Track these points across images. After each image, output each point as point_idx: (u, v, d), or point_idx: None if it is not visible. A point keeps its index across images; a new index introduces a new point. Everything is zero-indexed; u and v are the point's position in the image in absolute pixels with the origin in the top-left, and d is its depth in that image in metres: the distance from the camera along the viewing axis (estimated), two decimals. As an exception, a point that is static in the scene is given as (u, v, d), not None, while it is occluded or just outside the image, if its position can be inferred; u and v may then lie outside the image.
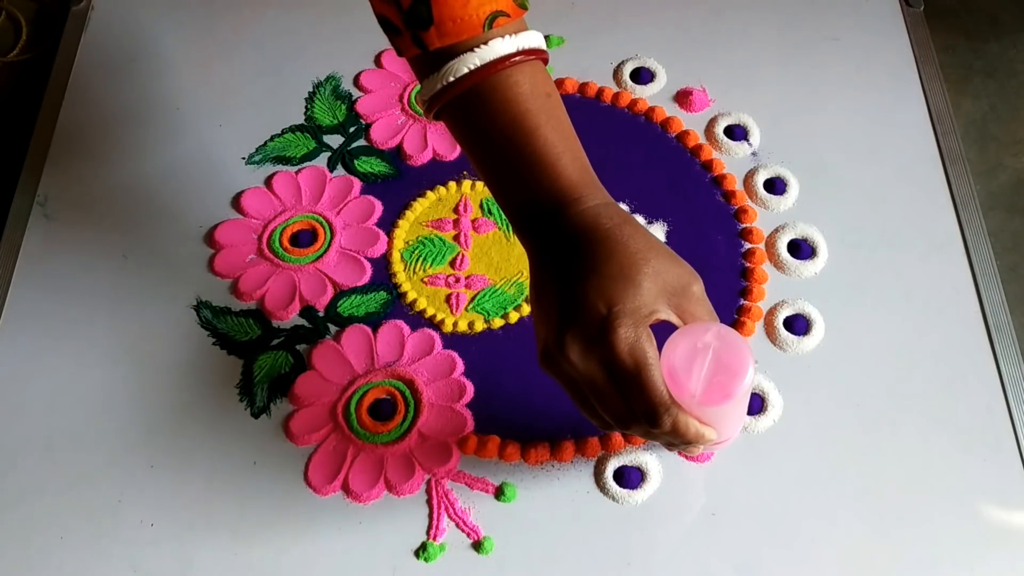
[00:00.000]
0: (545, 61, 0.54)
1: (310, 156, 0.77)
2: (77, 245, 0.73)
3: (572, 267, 0.50)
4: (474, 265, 0.72)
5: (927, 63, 0.82)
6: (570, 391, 0.52)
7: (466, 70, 0.50)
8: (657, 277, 0.49)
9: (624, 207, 0.74)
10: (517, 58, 0.51)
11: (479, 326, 0.69)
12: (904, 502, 0.62)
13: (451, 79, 0.50)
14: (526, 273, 0.71)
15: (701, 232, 0.73)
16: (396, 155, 0.77)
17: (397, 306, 0.70)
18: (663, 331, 0.50)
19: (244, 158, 0.77)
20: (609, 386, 0.49)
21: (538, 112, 0.51)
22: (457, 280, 0.71)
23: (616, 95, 0.80)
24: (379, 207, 0.74)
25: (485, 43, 0.50)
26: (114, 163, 0.77)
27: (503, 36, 0.50)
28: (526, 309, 0.69)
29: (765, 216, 0.74)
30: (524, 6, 0.52)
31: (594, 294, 0.48)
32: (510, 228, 0.73)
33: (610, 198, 0.52)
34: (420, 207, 0.74)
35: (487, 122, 0.52)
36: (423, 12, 0.49)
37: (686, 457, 0.63)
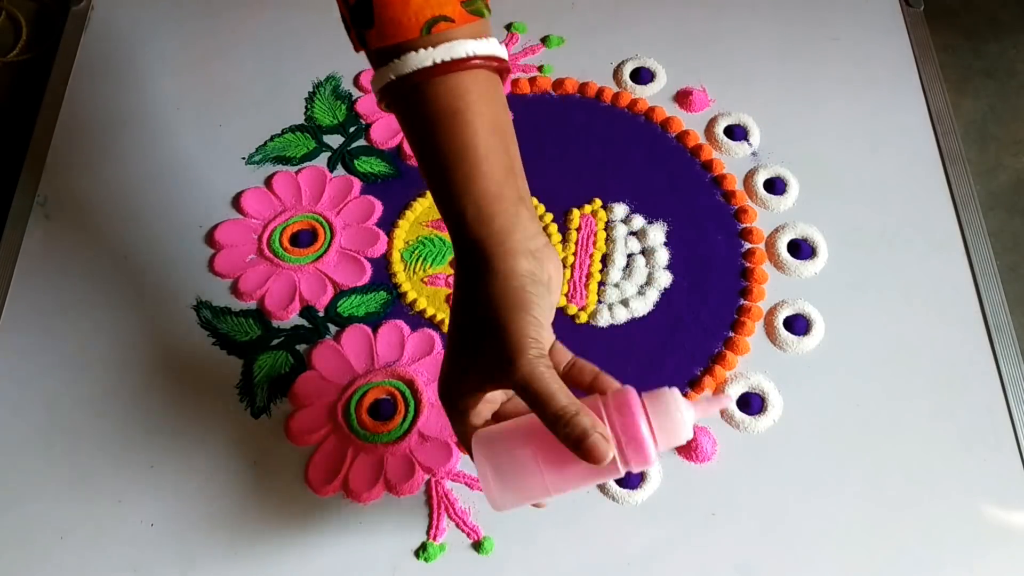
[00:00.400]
0: (501, 70, 0.51)
1: (310, 156, 0.77)
2: (77, 245, 0.73)
3: (452, 317, 0.52)
4: (474, 265, 0.72)
5: (927, 63, 0.82)
6: None
7: (390, 78, 0.49)
8: (478, 359, 0.49)
9: (623, 208, 0.74)
10: (441, 70, 0.49)
11: (479, 326, 0.69)
12: (904, 502, 0.62)
13: (379, 85, 0.50)
14: (526, 273, 0.71)
15: (701, 232, 0.73)
16: (396, 155, 0.77)
17: (397, 306, 0.70)
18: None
19: (244, 158, 0.77)
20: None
21: (442, 129, 0.49)
22: (457, 280, 0.71)
23: (616, 95, 0.80)
24: (379, 207, 0.75)
25: (403, 55, 0.49)
26: (114, 163, 0.77)
27: (426, 47, 0.48)
28: (526, 309, 0.69)
29: (765, 216, 0.74)
30: (479, 12, 0.50)
31: (448, 367, 0.52)
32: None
33: (502, 227, 0.49)
34: (420, 207, 0.74)
35: (406, 129, 0.52)
36: (366, 11, 0.49)
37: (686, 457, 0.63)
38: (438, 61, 0.48)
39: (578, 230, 0.73)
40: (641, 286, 0.71)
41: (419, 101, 0.49)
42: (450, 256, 0.72)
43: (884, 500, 0.62)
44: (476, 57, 0.49)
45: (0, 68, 0.86)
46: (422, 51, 0.48)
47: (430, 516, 0.62)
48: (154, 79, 0.82)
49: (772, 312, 0.69)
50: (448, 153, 0.49)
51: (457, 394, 0.51)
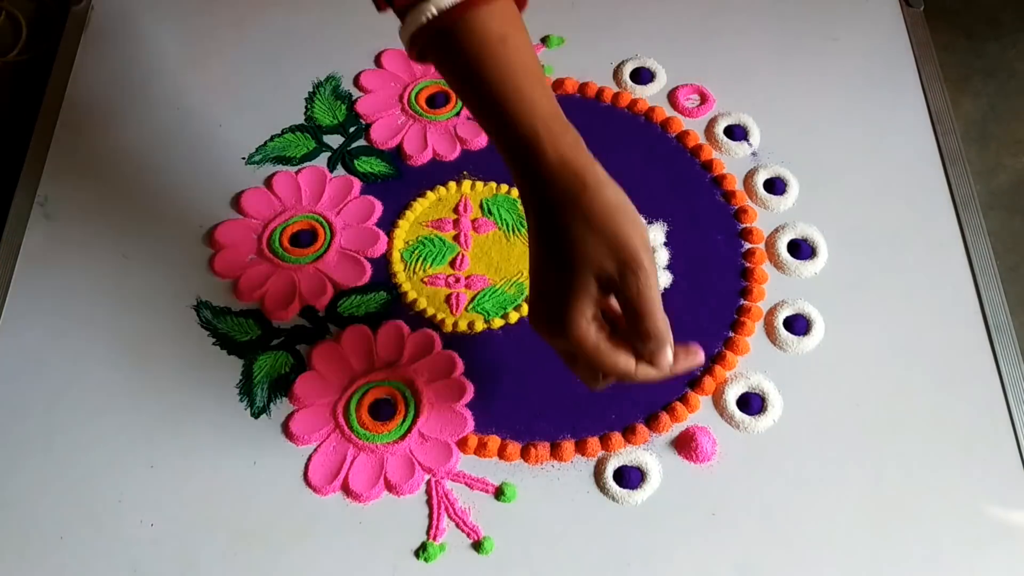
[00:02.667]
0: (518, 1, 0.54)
1: (310, 156, 0.77)
2: (77, 245, 0.73)
3: (535, 230, 0.53)
4: (474, 265, 0.72)
5: (927, 63, 0.82)
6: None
7: (428, 15, 0.51)
8: (589, 263, 0.51)
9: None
10: (473, 5, 0.51)
11: (479, 326, 0.69)
12: (904, 502, 0.62)
13: (413, 28, 0.52)
14: (526, 273, 0.71)
15: (701, 232, 0.73)
16: (396, 155, 0.77)
17: (397, 306, 0.70)
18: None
19: (244, 158, 0.77)
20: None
21: (495, 56, 0.52)
22: (457, 280, 0.71)
23: (616, 95, 0.80)
24: (379, 207, 0.75)
25: None
26: (114, 163, 0.77)
27: None
28: (526, 309, 0.69)
29: (765, 216, 0.74)
30: None
31: (545, 274, 0.53)
32: (510, 228, 0.73)
33: (566, 141, 0.53)
34: (420, 207, 0.74)
35: (447, 71, 0.54)
36: None
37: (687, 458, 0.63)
38: None
39: (578, 230, 0.73)
40: (641, 286, 0.70)
41: (465, 31, 0.51)
42: (450, 256, 0.72)
43: (884, 500, 0.62)
44: None
45: (0, 68, 0.86)
46: None
47: (430, 516, 0.62)
48: (154, 79, 0.82)
49: (772, 312, 0.69)
50: (507, 78, 0.51)
51: (559, 312, 0.52)
